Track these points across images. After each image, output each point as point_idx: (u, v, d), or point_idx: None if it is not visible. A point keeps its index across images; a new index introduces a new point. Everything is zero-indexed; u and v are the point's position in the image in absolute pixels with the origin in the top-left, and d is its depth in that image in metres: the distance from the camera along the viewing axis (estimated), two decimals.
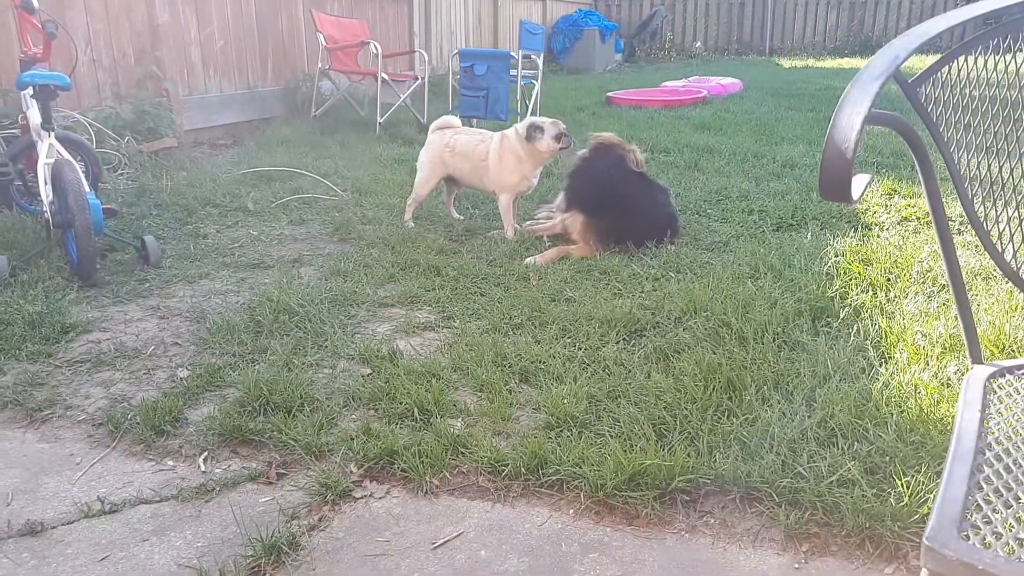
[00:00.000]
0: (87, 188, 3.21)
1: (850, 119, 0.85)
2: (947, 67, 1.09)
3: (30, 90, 3.52)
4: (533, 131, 3.79)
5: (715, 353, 2.46)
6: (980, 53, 1.12)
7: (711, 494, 1.87)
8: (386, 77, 6.88)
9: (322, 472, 1.98)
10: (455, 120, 4.19)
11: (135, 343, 2.76)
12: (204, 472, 2.02)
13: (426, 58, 7.61)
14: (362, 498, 1.91)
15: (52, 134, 3.45)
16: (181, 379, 2.49)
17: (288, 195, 4.60)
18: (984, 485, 0.89)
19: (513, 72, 6.66)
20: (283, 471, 2.02)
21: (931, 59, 1.14)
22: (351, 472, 1.98)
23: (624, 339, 2.67)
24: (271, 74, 7.19)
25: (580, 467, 1.92)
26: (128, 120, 5.43)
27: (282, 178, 4.96)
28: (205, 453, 2.10)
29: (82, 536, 1.80)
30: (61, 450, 2.14)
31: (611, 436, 2.04)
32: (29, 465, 2.07)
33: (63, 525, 1.83)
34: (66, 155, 3.39)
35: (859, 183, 0.89)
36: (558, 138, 3.78)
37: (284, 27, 7.31)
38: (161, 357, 2.66)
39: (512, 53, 6.80)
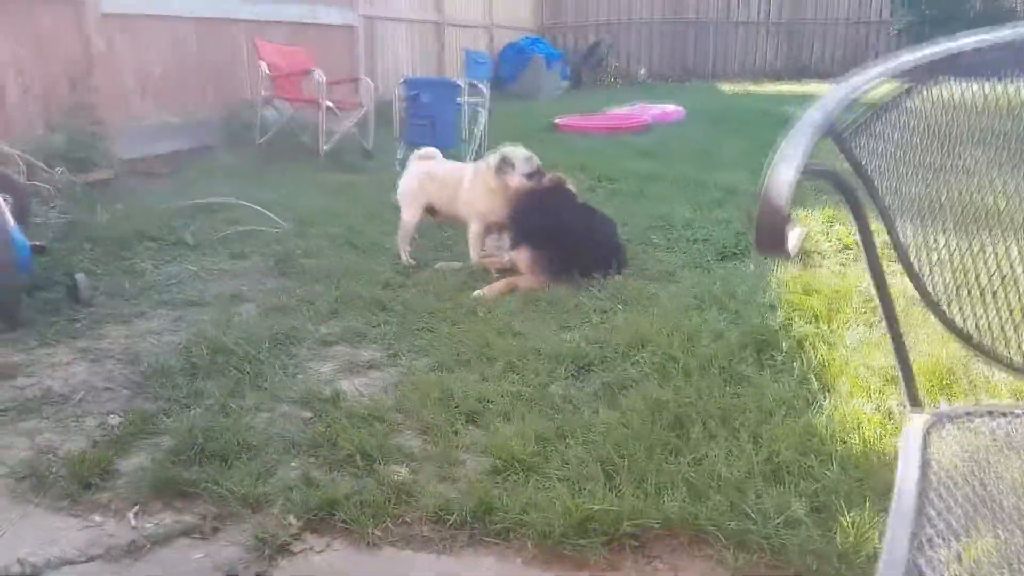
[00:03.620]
0: (11, 224, 3.08)
1: (784, 176, 0.84)
2: (881, 119, 1.10)
3: None
4: (503, 165, 3.73)
5: (662, 388, 2.45)
6: (909, 103, 1.13)
7: (660, 538, 1.84)
8: (331, 105, 6.81)
9: (259, 525, 1.90)
10: (435, 151, 4.16)
11: (63, 388, 2.64)
12: (134, 528, 1.93)
13: (372, 85, 7.56)
14: (301, 552, 1.84)
15: None
16: (112, 427, 2.38)
17: (228, 227, 4.49)
18: (926, 548, 0.88)
19: (459, 100, 6.65)
20: (219, 524, 1.94)
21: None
22: (290, 524, 1.91)
23: (572, 374, 2.64)
24: (211, 102, 7.05)
25: (527, 514, 1.87)
26: (60, 150, 5.25)
27: (223, 209, 4.85)
28: (136, 507, 2.00)
29: None
30: None
31: (558, 479, 2.00)
32: None
33: None
34: None
35: (793, 237, 0.88)
36: (530, 176, 3.72)
37: (224, 54, 7.20)
38: (91, 403, 2.55)
39: (458, 81, 6.79)
